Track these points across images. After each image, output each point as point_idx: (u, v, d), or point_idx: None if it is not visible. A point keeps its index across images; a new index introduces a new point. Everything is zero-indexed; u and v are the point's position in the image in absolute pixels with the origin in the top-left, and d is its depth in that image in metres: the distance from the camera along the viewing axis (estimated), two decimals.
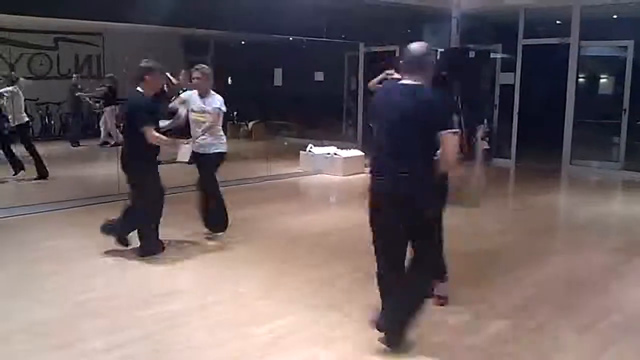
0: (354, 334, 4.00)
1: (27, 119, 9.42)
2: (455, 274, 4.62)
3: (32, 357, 3.75)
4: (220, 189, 6.26)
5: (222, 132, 6.15)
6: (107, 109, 12.51)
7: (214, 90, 6.10)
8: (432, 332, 4.08)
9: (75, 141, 12.81)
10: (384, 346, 3.76)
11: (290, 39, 11.84)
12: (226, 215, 6.28)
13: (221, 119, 6.05)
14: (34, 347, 3.86)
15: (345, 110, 14.33)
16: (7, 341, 3.92)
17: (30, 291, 4.82)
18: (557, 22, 12.00)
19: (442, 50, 12.22)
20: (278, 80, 13.08)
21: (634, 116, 10.97)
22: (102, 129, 12.82)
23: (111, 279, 5.13)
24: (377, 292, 3.87)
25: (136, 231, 5.66)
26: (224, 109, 6.03)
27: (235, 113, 15.28)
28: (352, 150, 11.01)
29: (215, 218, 6.27)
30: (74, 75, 12.96)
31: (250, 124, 14.74)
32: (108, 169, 8.20)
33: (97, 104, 12.90)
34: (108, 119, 12.55)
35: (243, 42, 14.57)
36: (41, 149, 9.67)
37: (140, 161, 5.50)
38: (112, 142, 12.01)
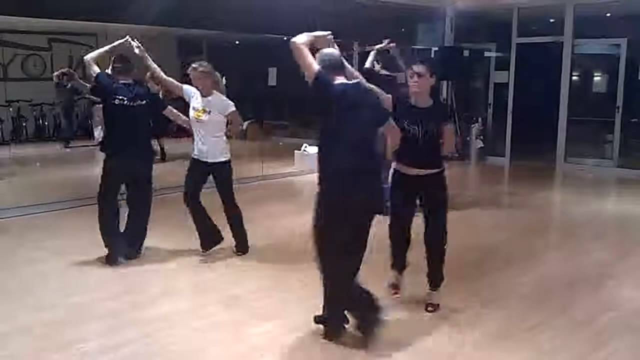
0: (350, 334, 4.00)
1: None
2: (450, 272, 4.63)
3: (32, 358, 3.75)
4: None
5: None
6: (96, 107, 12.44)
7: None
8: (427, 329, 4.09)
9: (67, 142, 12.71)
10: (380, 346, 3.79)
11: (285, 38, 11.82)
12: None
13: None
14: (30, 349, 3.86)
15: None
16: (4, 343, 3.91)
17: (25, 293, 4.80)
18: (551, 20, 12.05)
19: (437, 49, 12.25)
20: (272, 80, 13.05)
21: (627, 114, 11.01)
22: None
23: (108, 280, 5.12)
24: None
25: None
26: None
27: None
28: None
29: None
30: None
31: (245, 124, 14.67)
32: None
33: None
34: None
35: (237, 42, 14.54)
36: (35, 150, 9.64)
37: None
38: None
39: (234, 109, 5.54)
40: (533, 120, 12.01)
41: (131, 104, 5.39)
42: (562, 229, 7.64)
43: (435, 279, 4.50)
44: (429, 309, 4.43)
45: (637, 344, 4.02)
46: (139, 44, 5.51)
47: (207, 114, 5.43)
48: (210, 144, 5.49)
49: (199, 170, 5.57)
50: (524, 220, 7.55)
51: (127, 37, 5.54)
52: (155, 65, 5.55)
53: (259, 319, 4.29)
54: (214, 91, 5.51)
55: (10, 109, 12.30)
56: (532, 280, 5.24)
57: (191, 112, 5.50)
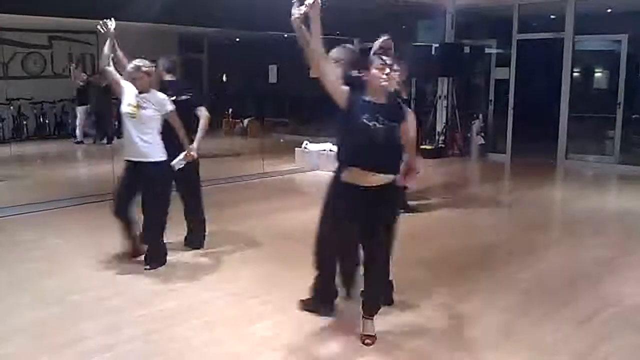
0: (351, 331, 4.00)
1: None
2: (450, 268, 4.63)
3: (30, 357, 3.74)
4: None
5: None
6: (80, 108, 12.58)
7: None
8: (427, 326, 4.10)
9: (109, 139, 12.63)
10: (380, 344, 3.80)
11: (285, 35, 11.82)
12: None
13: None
14: (31, 347, 3.85)
15: None
16: (4, 342, 3.91)
17: (26, 291, 4.80)
18: (552, 16, 12.02)
19: (437, 45, 12.24)
20: (273, 77, 13.06)
21: (628, 110, 11.00)
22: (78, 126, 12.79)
23: (107, 278, 5.11)
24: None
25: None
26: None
27: (230, 110, 15.28)
28: None
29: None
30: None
31: (246, 121, 14.72)
32: (103, 167, 8.22)
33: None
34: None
35: (238, 39, 14.54)
36: (36, 148, 9.66)
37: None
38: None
39: (172, 107, 5.24)
40: (534, 117, 12.02)
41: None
42: (563, 225, 7.64)
43: (371, 303, 3.91)
44: (366, 341, 3.80)
45: (638, 341, 4.01)
46: (110, 29, 5.43)
47: (141, 109, 5.14)
48: (139, 141, 5.16)
49: (129, 173, 5.31)
50: (525, 216, 7.55)
51: (101, 22, 5.48)
52: (109, 60, 5.34)
53: (260, 316, 4.29)
54: (152, 90, 5.25)
55: (11, 107, 12.32)
56: (532, 276, 5.23)
57: (124, 108, 5.21)
